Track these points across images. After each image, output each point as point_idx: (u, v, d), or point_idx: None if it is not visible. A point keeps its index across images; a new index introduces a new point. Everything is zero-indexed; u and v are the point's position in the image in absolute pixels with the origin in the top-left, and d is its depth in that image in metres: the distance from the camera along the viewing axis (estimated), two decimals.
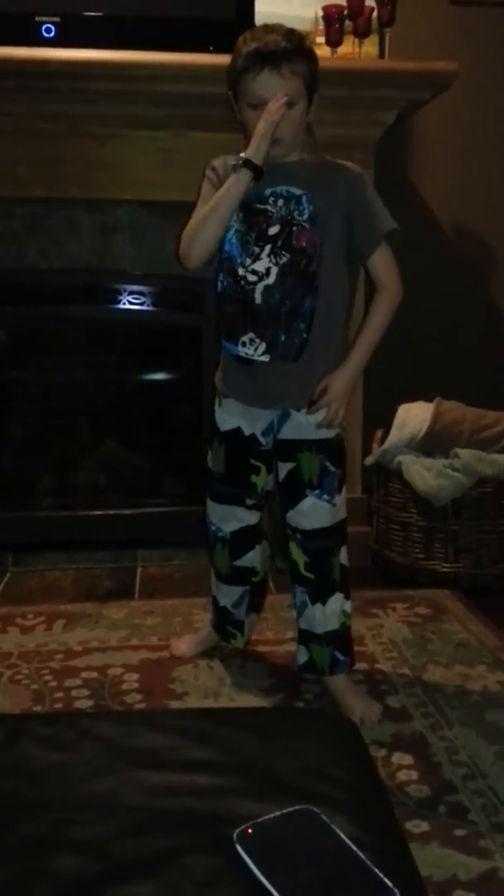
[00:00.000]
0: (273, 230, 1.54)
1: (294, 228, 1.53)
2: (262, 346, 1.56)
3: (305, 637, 1.68)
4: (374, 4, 2.32)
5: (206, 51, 2.18)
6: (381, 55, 2.40)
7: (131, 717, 1.00)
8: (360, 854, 0.70)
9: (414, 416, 2.35)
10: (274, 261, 1.53)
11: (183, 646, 1.88)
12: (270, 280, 1.53)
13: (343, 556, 1.66)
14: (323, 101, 2.19)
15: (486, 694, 1.72)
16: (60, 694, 1.70)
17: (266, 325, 1.55)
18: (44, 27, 2.20)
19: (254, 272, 1.54)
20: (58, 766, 0.82)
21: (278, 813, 0.74)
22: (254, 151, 1.51)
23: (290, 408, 1.62)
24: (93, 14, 2.23)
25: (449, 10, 2.54)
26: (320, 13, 2.38)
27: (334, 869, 0.69)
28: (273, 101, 1.47)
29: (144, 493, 2.62)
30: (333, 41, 2.32)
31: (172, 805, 0.77)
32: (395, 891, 0.66)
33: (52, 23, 2.20)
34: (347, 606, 1.67)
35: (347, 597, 1.67)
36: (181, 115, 2.24)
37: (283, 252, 1.53)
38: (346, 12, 2.30)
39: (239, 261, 1.56)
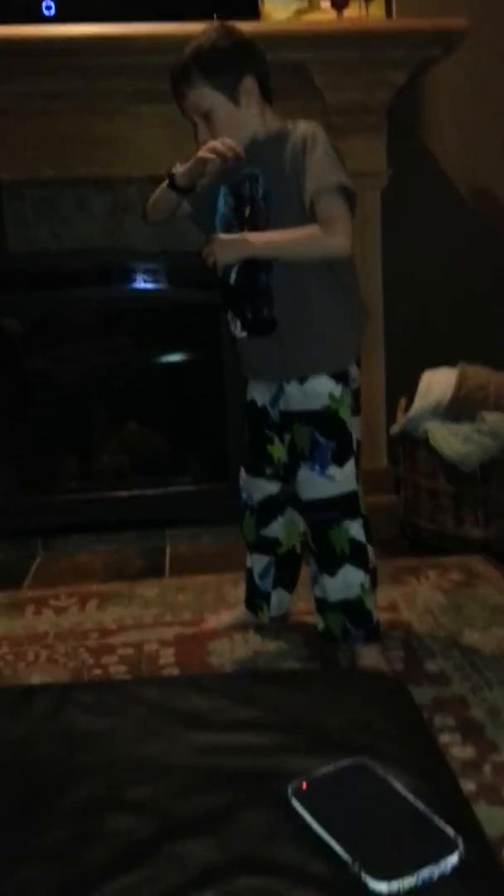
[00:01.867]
0: (246, 212, 1.57)
1: (255, 208, 1.55)
2: (238, 324, 1.60)
3: (320, 605, 1.68)
4: None
5: (209, 19, 2.14)
6: (388, 15, 2.35)
7: (175, 682, 0.99)
8: (419, 804, 0.68)
9: (438, 383, 2.32)
10: None
11: (214, 620, 1.89)
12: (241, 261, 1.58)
13: (355, 530, 1.62)
14: (332, 64, 2.18)
15: None
16: (98, 671, 1.70)
17: (235, 303, 1.59)
18: (44, 4, 2.18)
19: None
20: (106, 730, 0.82)
21: (332, 767, 0.73)
22: (181, 170, 1.60)
23: (276, 380, 1.65)
24: None
25: None
26: None
27: (393, 820, 0.68)
28: (217, 142, 1.52)
29: (169, 472, 2.62)
30: (339, 3, 2.27)
31: (223, 764, 0.76)
32: (458, 840, 0.65)
33: (52, 0, 2.18)
34: (365, 581, 1.63)
35: (366, 572, 1.64)
36: None
37: (252, 232, 1.55)
38: None
39: None
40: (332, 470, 1.61)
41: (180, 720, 0.83)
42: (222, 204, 1.62)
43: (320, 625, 1.70)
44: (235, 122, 1.54)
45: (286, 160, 1.53)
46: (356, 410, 1.66)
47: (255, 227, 1.55)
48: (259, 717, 0.83)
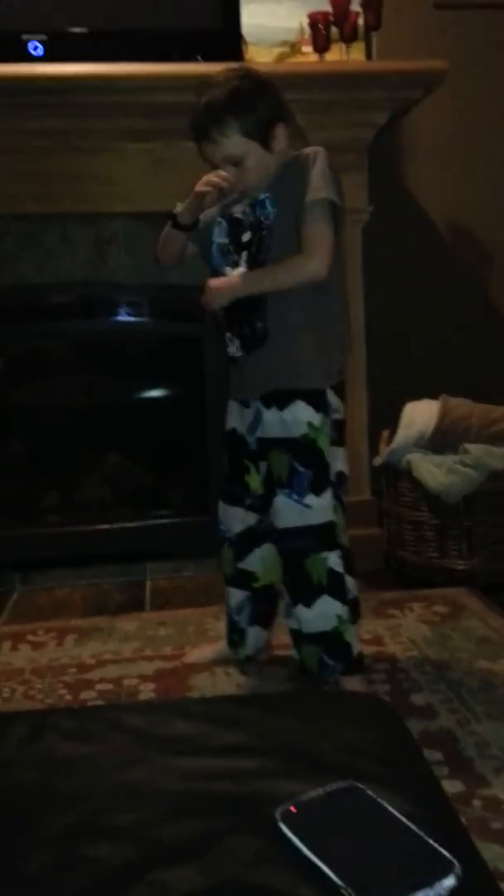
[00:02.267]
0: (245, 237, 1.60)
1: (264, 232, 1.57)
2: (237, 342, 1.62)
3: (295, 637, 1.66)
4: (359, 9, 2.34)
5: (194, 60, 2.19)
6: (369, 59, 2.41)
7: (157, 707, 0.96)
8: (413, 827, 0.66)
9: (421, 414, 2.33)
10: (250, 266, 1.59)
11: (195, 653, 1.85)
12: None
13: (333, 561, 1.60)
14: (314, 104, 2.23)
15: None
16: (76, 706, 1.65)
17: (235, 322, 1.61)
18: (31, 45, 2.20)
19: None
20: (86, 757, 0.79)
21: (321, 790, 0.71)
22: (182, 207, 1.64)
23: (258, 397, 1.63)
24: (79, 30, 2.24)
25: (433, 14, 2.56)
26: (306, 22, 2.39)
27: (386, 843, 0.65)
28: (211, 175, 1.57)
29: (150, 505, 2.59)
30: (320, 47, 2.33)
31: (208, 789, 0.73)
32: (454, 862, 0.62)
33: (39, 41, 2.21)
34: (343, 612, 1.61)
35: (344, 603, 1.61)
36: (171, 126, 2.23)
37: (259, 256, 1.58)
38: (332, 18, 2.32)
39: (220, 270, 1.63)
40: (310, 499, 1.59)
41: (164, 745, 0.80)
42: (217, 233, 1.65)
43: (297, 657, 1.67)
44: (266, 166, 1.56)
45: (295, 181, 1.55)
46: (338, 441, 1.66)
47: (259, 251, 1.58)
48: (245, 741, 0.80)
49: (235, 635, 1.79)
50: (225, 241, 1.64)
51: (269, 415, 1.61)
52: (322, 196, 1.52)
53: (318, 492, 1.60)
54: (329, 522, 1.61)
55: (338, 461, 1.65)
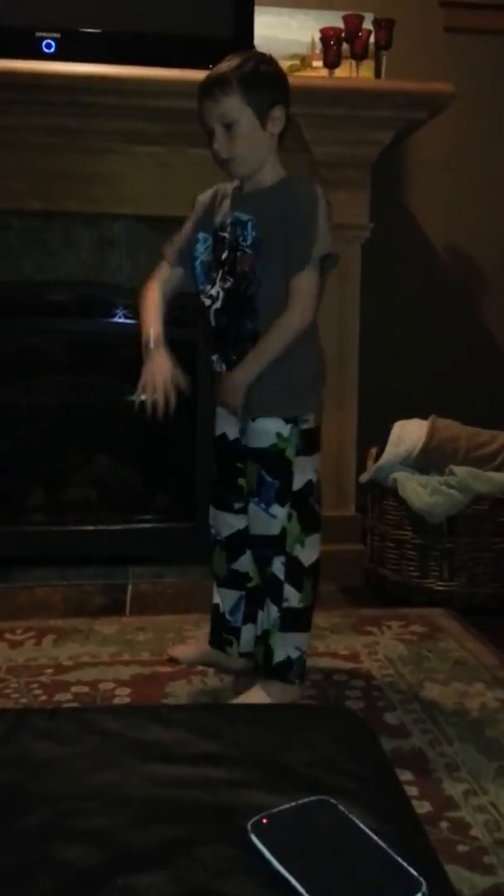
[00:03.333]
0: (224, 256, 1.61)
1: (238, 253, 1.59)
2: (224, 365, 1.64)
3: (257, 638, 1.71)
4: (371, 28, 2.37)
5: (205, 68, 2.20)
6: (378, 77, 2.44)
7: (134, 712, 0.96)
8: (382, 844, 0.66)
9: (409, 434, 2.34)
10: (221, 285, 1.61)
11: (180, 650, 1.87)
12: (219, 304, 1.62)
13: (276, 567, 1.64)
14: (321, 119, 2.25)
15: (485, 711, 1.69)
16: (51, 707, 1.64)
17: (220, 345, 1.63)
18: (44, 42, 2.21)
19: (209, 296, 1.63)
20: (60, 758, 0.79)
21: (293, 803, 0.71)
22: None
23: (243, 420, 1.66)
24: (92, 31, 2.25)
25: (443, 37, 2.60)
26: (318, 36, 2.42)
27: (355, 859, 0.66)
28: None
29: (136, 508, 2.59)
30: (331, 63, 2.36)
31: (182, 796, 0.73)
32: (421, 880, 0.63)
33: (52, 38, 2.22)
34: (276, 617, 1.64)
35: (279, 608, 1.64)
36: (178, 131, 2.25)
37: (228, 277, 1.59)
38: (343, 35, 2.34)
39: (201, 287, 1.66)
40: (275, 509, 1.63)
41: (139, 751, 0.80)
42: (201, 250, 1.66)
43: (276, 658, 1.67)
44: (255, 142, 1.57)
45: (282, 214, 1.56)
46: (307, 450, 1.65)
47: (233, 273, 1.59)
48: (221, 751, 0.80)
49: (227, 635, 1.80)
50: (208, 258, 1.65)
51: (251, 425, 1.65)
52: (313, 256, 1.54)
53: (282, 502, 1.63)
54: (283, 530, 1.64)
55: (308, 470, 1.66)
